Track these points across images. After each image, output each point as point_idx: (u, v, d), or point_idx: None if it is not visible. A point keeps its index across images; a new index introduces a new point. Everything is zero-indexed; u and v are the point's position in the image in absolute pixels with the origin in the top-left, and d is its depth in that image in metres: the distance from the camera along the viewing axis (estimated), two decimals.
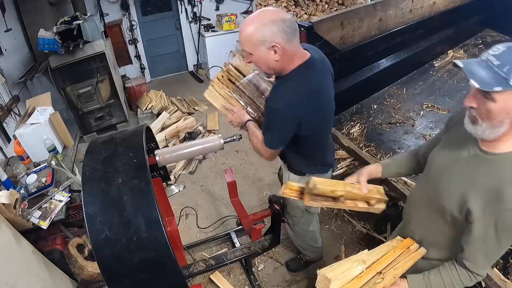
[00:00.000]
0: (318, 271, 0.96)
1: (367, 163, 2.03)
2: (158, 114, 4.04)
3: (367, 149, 2.30)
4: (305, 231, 1.81)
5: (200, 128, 3.77)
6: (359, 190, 1.19)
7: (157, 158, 1.37)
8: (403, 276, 1.03)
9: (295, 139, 1.32)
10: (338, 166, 2.27)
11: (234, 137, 1.50)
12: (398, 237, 1.17)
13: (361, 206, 1.25)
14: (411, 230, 1.14)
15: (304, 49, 1.26)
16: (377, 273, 0.99)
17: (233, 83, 1.55)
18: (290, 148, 1.37)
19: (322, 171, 1.52)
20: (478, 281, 0.95)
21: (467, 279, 0.94)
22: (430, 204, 1.02)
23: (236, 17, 5.05)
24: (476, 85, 0.77)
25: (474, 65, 0.80)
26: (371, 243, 2.29)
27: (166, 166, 1.59)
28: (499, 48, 0.79)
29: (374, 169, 1.27)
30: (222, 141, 1.46)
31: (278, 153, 1.42)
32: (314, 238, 1.89)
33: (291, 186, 1.15)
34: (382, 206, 1.28)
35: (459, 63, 0.82)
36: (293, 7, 4.63)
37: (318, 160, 1.51)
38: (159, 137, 3.53)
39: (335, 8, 4.83)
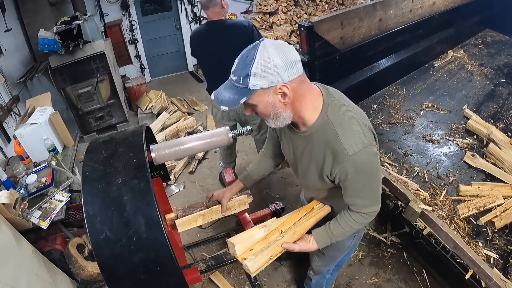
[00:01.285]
0: (227, 240, 1.12)
1: None
2: (158, 114, 4.04)
3: None
4: None
5: (200, 128, 3.77)
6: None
7: (152, 154, 1.22)
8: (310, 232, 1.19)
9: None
10: None
11: (244, 130, 1.35)
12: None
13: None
14: (312, 196, 1.32)
15: None
16: (280, 232, 1.15)
17: None
18: None
19: None
20: (372, 217, 1.12)
21: (360, 218, 1.10)
22: (309, 176, 1.14)
23: (236, 17, 5.05)
24: (225, 108, 0.91)
25: (221, 92, 0.93)
26: (371, 243, 2.29)
27: (166, 166, 1.56)
28: (235, 62, 0.91)
29: (236, 187, 1.42)
30: (230, 134, 1.30)
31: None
32: None
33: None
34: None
35: (212, 96, 0.95)
36: (293, 7, 4.63)
37: None
38: (159, 137, 3.53)
39: (335, 8, 4.84)
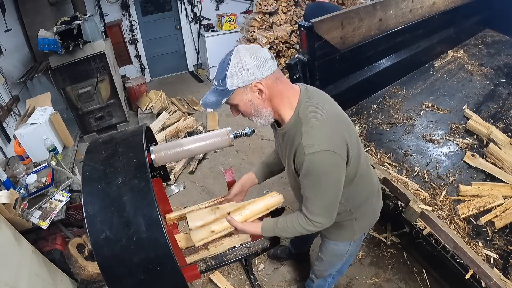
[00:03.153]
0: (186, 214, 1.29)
1: None
2: (158, 114, 4.04)
3: (367, 149, 2.30)
4: None
5: (200, 128, 3.77)
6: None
7: (152, 156, 1.21)
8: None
9: None
10: None
11: (246, 131, 1.32)
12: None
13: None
14: (296, 195, 1.35)
15: None
16: (227, 213, 1.27)
17: None
18: None
19: None
20: (317, 229, 1.14)
21: (304, 222, 1.12)
22: (289, 173, 1.20)
23: (236, 17, 5.05)
24: (210, 110, 1.03)
25: (207, 96, 1.02)
26: (371, 243, 2.29)
27: (166, 166, 1.56)
28: (217, 67, 1.01)
29: (247, 179, 1.43)
30: (231, 136, 1.27)
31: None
32: None
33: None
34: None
35: (200, 102, 1.05)
36: (293, 7, 4.63)
37: None
38: (159, 137, 3.53)
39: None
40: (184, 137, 3.53)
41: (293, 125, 1.03)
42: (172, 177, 3.05)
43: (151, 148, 1.24)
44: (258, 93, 0.99)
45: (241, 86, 0.97)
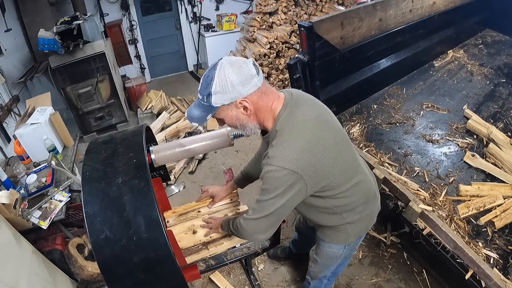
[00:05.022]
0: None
1: (367, 163, 2.03)
2: (158, 114, 4.04)
3: (367, 149, 2.30)
4: None
5: (200, 128, 3.77)
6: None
7: (152, 156, 1.22)
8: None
9: None
10: None
11: None
12: None
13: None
14: None
15: None
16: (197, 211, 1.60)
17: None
18: None
19: None
20: (252, 239, 1.25)
21: (242, 223, 1.14)
22: None
23: (236, 17, 5.06)
24: (196, 124, 1.03)
25: (192, 110, 1.02)
26: (371, 243, 2.29)
27: (166, 166, 1.56)
28: (201, 81, 0.99)
29: (230, 188, 1.62)
30: (231, 136, 1.27)
31: None
32: None
33: None
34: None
35: (186, 113, 1.06)
36: (293, 7, 4.63)
37: None
38: (159, 137, 3.53)
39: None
40: (184, 137, 3.54)
41: (270, 135, 1.05)
42: (172, 177, 3.05)
43: (151, 148, 1.25)
44: (243, 109, 0.99)
45: (225, 103, 0.96)
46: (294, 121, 1.00)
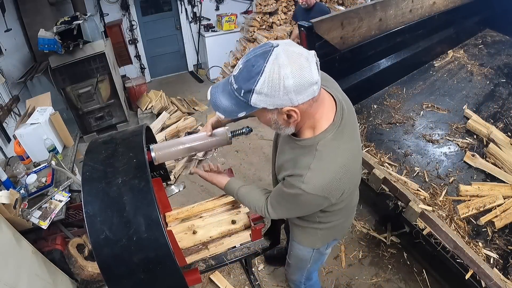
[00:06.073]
0: None
1: (367, 163, 2.03)
2: (158, 114, 4.04)
3: (367, 149, 2.30)
4: None
5: (200, 128, 3.77)
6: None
7: (152, 154, 1.22)
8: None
9: None
10: None
11: (243, 130, 1.32)
12: None
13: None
14: None
15: None
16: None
17: None
18: None
19: None
20: (270, 217, 1.14)
21: (260, 209, 1.14)
22: (273, 163, 1.21)
23: (236, 17, 5.05)
24: (222, 116, 0.82)
25: (219, 96, 0.82)
26: (371, 243, 2.29)
27: (166, 166, 1.56)
28: (239, 65, 0.78)
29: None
30: (229, 134, 1.28)
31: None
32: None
33: None
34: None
35: (208, 94, 0.85)
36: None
37: None
38: (159, 137, 3.53)
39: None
40: (184, 136, 3.54)
41: (305, 148, 0.92)
42: (172, 177, 3.05)
43: (151, 146, 1.24)
44: (287, 116, 0.81)
45: (268, 108, 0.77)
46: (338, 149, 0.90)
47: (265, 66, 0.72)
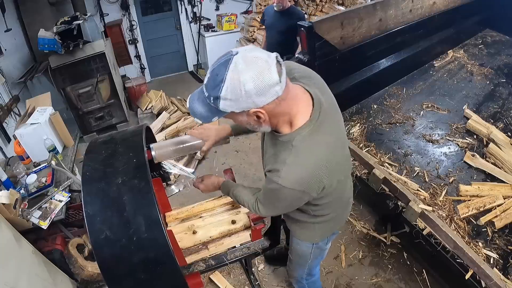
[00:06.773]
0: None
1: (367, 163, 2.03)
2: (158, 114, 4.04)
3: (367, 149, 2.30)
4: None
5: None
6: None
7: (153, 153, 1.23)
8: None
9: None
10: None
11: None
12: None
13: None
14: None
15: None
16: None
17: None
18: None
19: None
20: (261, 214, 1.17)
21: (252, 206, 1.17)
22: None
23: (236, 17, 5.05)
24: (199, 122, 0.90)
25: (195, 103, 0.89)
26: (371, 243, 2.29)
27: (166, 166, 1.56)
28: (207, 75, 0.84)
29: (222, 128, 1.34)
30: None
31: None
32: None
33: None
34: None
35: (187, 102, 0.93)
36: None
37: None
38: (159, 137, 3.53)
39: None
40: (184, 135, 3.53)
41: (284, 144, 0.95)
42: (172, 177, 3.05)
43: (151, 145, 1.25)
44: (256, 117, 0.87)
45: (236, 111, 0.83)
46: (314, 144, 0.92)
47: (226, 74, 0.78)
